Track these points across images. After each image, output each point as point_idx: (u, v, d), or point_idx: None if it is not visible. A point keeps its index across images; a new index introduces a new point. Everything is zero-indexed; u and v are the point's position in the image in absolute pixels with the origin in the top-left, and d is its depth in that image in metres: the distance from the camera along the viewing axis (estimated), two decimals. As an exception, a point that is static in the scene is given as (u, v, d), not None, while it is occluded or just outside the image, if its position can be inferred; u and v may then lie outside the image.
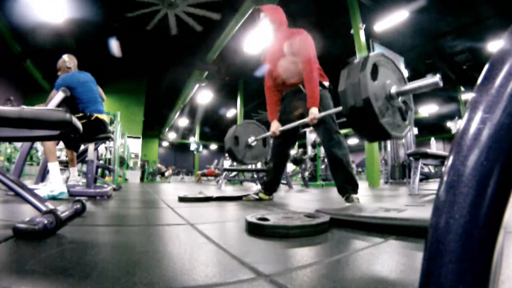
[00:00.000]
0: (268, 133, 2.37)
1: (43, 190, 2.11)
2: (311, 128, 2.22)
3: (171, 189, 4.97)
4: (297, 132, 2.35)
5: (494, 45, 8.65)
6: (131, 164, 11.93)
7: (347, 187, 1.95)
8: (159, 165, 15.27)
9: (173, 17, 7.51)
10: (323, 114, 1.94)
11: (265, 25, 2.29)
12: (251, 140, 2.64)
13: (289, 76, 2.20)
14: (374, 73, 1.33)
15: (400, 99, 1.38)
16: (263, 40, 8.49)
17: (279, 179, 2.40)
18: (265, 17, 2.27)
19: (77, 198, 1.44)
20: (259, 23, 2.32)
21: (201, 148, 16.16)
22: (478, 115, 0.23)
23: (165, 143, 26.72)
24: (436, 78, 1.24)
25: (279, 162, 2.35)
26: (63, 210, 0.96)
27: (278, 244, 0.80)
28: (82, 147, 3.09)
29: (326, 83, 2.16)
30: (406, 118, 1.46)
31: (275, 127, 2.26)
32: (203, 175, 12.08)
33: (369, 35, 7.18)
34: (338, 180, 1.98)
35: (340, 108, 1.50)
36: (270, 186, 2.37)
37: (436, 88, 1.27)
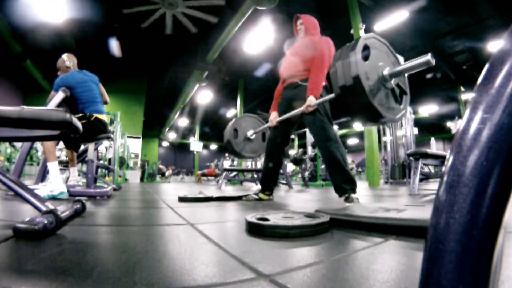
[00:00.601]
0: (267, 125, 2.40)
1: (43, 190, 2.11)
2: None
3: (171, 189, 4.98)
4: (293, 126, 2.36)
5: (494, 45, 8.65)
6: (131, 164, 11.93)
7: (346, 187, 1.94)
8: (160, 166, 15.27)
9: (172, 17, 7.52)
10: (318, 101, 1.96)
11: (298, 31, 2.38)
12: (250, 133, 2.64)
13: (291, 74, 2.28)
14: (366, 54, 1.33)
15: (393, 81, 1.37)
16: (263, 40, 8.51)
17: (276, 177, 2.41)
18: (301, 25, 2.35)
19: (77, 198, 1.44)
20: (295, 29, 2.42)
21: (201, 148, 16.16)
22: (478, 115, 0.23)
23: (165, 143, 26.72)
24: (428, 56, 1.23)
25: (276, 160, 2.35)
26: (63, 210, 0.97)
27: (278, 244, 0.80)
28: (82, 147, 3.09)
29: (323, 83, 2.19)
30: (400, 101, 1.45)
31: (273, 117, 2.35)
32: (203, 175, 12.09)
33: (369, 35, 7.17)
34: (336, 180, 1.98)
35: (333, 95, 1.50)
36: (268, 185, 2.37)
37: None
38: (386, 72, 1.35)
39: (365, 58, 1.32)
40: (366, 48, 1.33)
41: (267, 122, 2.55)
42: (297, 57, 2.25)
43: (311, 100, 1.99)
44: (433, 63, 1.25)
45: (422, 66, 1.28)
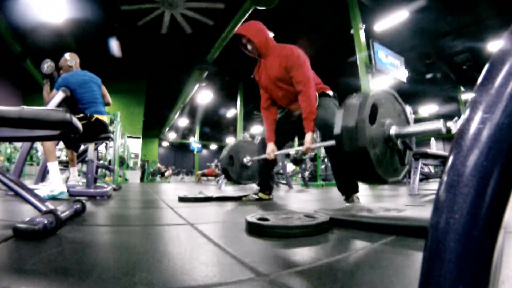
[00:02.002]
0: (264, 156, 2.28)
1: (43, 190, 2.11)
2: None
3: (171, 189, 4.97)
4: (292, 137, 2.33)
5: (494, 45, 8.66)
6: (131, 164, 11.92)
7: (348, 187, 1.94)
8: (159, 165, 15.27)
9: (173, 17, 7.53)
10: (317, 146, 1.93)
11: (251, 52, 2.07)
12: (246, 160, 2.58)
13: (291, 102, 2.09)
14: (373, 113, 1.24)
15: (399, 141, 1.29)
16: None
17: (272, 175, 2.39)
18: (249, 43, 2.02)
19: (77, 198, 1.44)
20: (244, 50, 2.10)
21: (199, 146, 16.16)
22: (478, 115, 0.23)
23: (165, 143, 26.72)
24: (440, 124, 1.15)
25: (270, 161, 2.33)
26: (63, 210, 0.97)
27: (278, 244, 0.80)
28: (82, 147, 3.09)
29: (330, 92, 2.06)
30: (405, 161, 1.35)
31: (271, 149, 2.14)
32: (203, 175, 12.09)
33: (369, 35, 7.19)
34: (339, 179, 1.98)
35: (333, 142, 1.40)
36: (267, 184, 2.37)
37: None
38: (392, 131, 1.26)
39: (372, 118, 1.23)
40: (374, 107, 1.24)
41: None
42: (284, 89, 2.03)
43: (309, 142, 1.88)
44: (444, 132, 1.18)
45: (433, 133, 1.19)
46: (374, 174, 1.17)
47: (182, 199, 2.19)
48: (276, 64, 1.98)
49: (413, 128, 1.25)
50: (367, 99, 1.22)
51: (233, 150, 2.58)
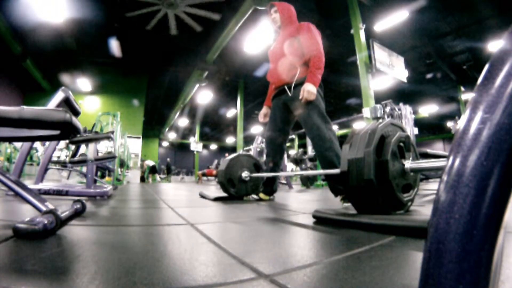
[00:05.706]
0: (264, 174, 2.32)
1: None
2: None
3: (171, 189, 4.97)
4: (290, 125, 2.32)
5: (494, 45, 8.66)
6: (131, 164, 11.92)
7: (340, 187, 1.91)
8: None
9: (173, 17, 7.53)
10: (318, 173, 1.92)
11: (273, 21, 2.28)
12: (244, 175, 2.50)
13: (279, 74, 2.20)
14: (380, 146, 1.21)
15: (406, 176, 1.27)
16: (263, 40, 8.51)
17: (276, 177, 2.40)
18: (275, 13, 2.25)
19: (77, 198, 1.44)
20: (270, 19, 2.31)
21: (200, 148, 16.15)
22: (478, 115, 0.23)
23: (165, 143, 26.75)
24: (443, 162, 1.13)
25: (278, 160, 2.32)
26: (63, 210, 0.97)
27: (278, 243, 0.80)
28: (83, 147, 3.09)
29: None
30: (411, 196, 1.34)
31: (263, 112, 2.47)
32: (204, 175, 12.09)
33: (369, 35, 7.18)
34: (331, 181, 1.95)
35: (337, 171, 1.38)
36: (270, 186, 2.36)
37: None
38: (408, 165, 1.26)
39: (379, 152, 1.21)
40: (381, 139, 1.23)
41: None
42: (282, 62, 2.15)
43: (311, 90, 1.91)
44: None
45: (437, 170, 1.20)
46: (379, 208, 1.15)
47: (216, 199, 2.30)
48: (290, 31, 2.17)
49: (422, 164, 1.22)
50: (375, 132, 1.20)
51: (231, 165, 2.49)
